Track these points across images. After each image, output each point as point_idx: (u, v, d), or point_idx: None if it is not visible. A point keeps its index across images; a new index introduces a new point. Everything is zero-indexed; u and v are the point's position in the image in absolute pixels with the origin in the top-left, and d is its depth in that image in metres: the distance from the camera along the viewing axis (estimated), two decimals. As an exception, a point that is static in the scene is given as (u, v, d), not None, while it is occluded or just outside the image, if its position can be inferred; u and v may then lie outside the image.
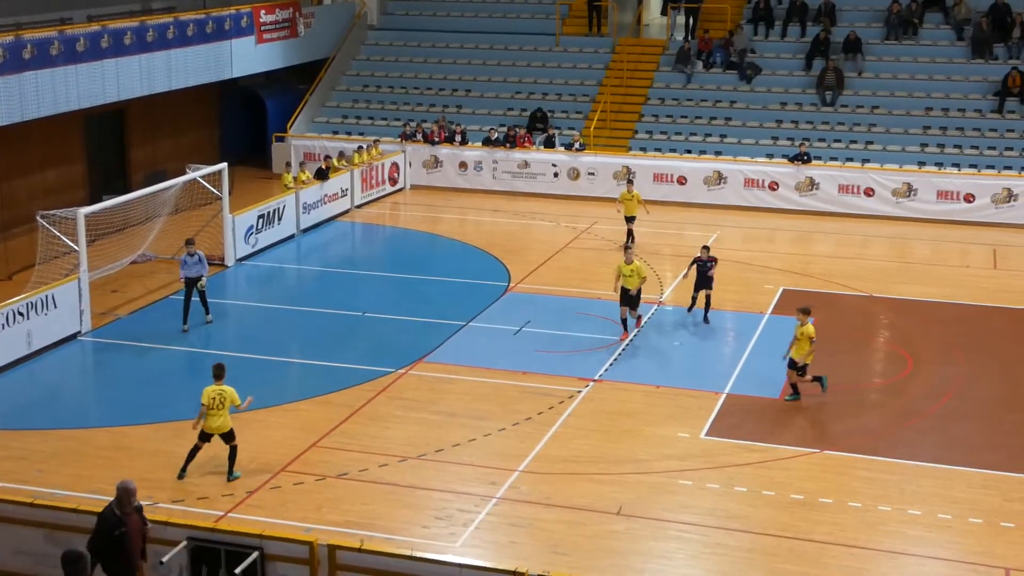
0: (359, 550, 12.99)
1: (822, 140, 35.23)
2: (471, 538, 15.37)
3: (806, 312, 19.92)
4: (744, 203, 33.92)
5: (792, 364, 19.89)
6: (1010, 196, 32.06)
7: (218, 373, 16.75)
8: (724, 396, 20.25)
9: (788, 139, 35.35)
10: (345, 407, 19.57)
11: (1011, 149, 33.82)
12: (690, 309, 24.43)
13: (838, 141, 35.20)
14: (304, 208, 31.00)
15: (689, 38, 39.36)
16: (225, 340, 23.46)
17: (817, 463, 17.72)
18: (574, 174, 35.32)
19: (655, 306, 24.94)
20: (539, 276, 27.23)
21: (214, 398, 16.56)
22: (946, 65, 36.68)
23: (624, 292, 22.97)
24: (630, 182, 30.96)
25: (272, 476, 17.05)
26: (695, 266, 24.11)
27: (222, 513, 15.85)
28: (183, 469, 16.96)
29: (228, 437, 16.84)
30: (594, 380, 20.82)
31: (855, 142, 35.10)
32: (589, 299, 25.37)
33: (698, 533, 15.59)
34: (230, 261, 27.77)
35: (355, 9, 42.16)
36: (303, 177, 31.76)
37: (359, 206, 33.74)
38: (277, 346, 22.79)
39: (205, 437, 16.83)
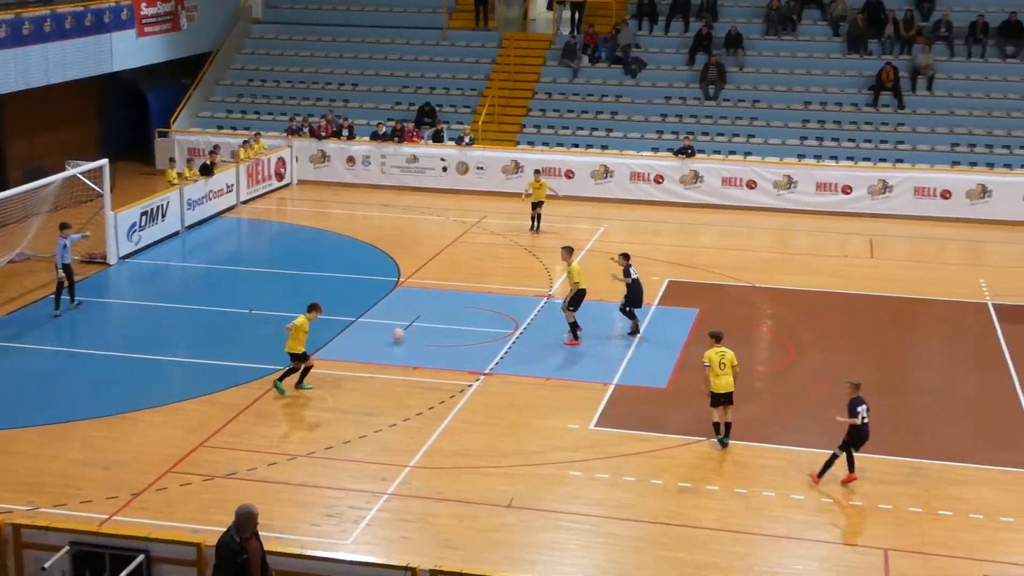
0: (248, 550, 12.84)
1: (705, 134, 35.80)
2: (362, 535, 15.33)
3: (717, 338, 18.39)
4: (630, 196, 34.30)
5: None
6: (885, 187, 32.97)
7: (311, 308, 20.18)
8: (613, 387, 20.49)
9: (672, 133, 35.84)
10: (233, 406, 19.33)
11: (886, 142, 34.76)
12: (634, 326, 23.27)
13: (721, 135, 35.81)
14: (189, 204, 30.51)
15: (575, 33, 39.66)
16: (108, 339, 23.00)
17: (703, 451, 18.03)
18: (463, 168, 35.35)
19: (544, 299, 25.10)
20: (429, 271, 27.22)
21: (289, 328, 19.82)
22: (823, 60, 37.55)
23: (579, 294, 22.58)
24: (538, 172, 31.59)
25: (158, 477, 16.78)
26: (629, 278, 22.97)
27: (106, 516, 15.55)
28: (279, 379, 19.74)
29: (298, 359, 19.78)
30: (485, 374, 20.89)
31: (737, 135, 35.75)
32: (480, 293, 25.44)
33: (588, 523, 15.76)
34: (113, 259, 27.21)
35: (239, 2, 41.60)
36: (188, 173, 31.26)
37: (245, 202, 33.32)
38: (162, 345, 22.41)
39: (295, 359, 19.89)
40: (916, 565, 14.78)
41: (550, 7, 41.72)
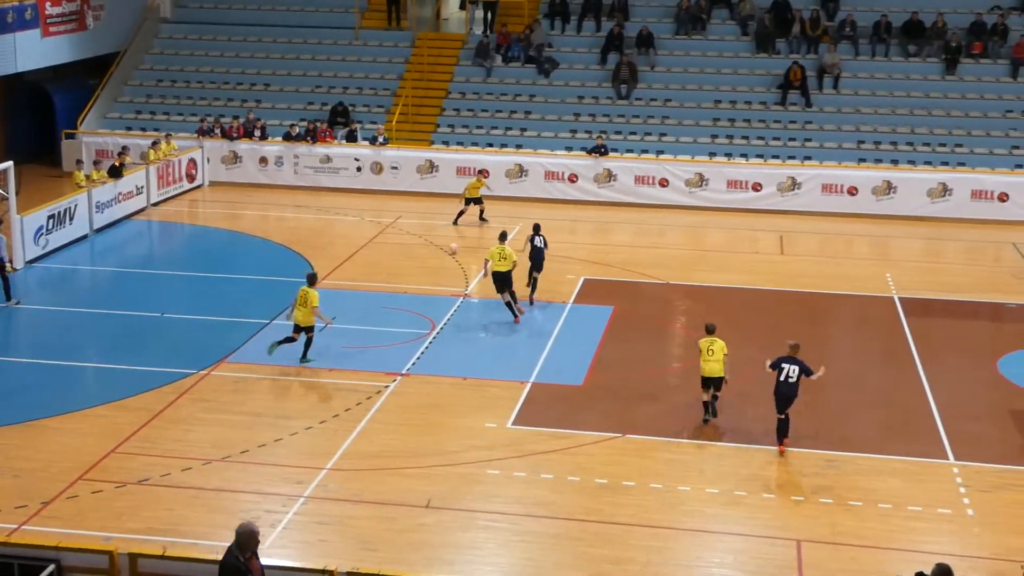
0: (162, 557, 12.72)
1: (618, 132, 36.09)
2: (279, 539, 15.22)
3: (710, 331, 18.99)
4: (545, 195, 34.47)
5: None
6: (794, 185, 33.52)
7: (311, 280, 21.27)
8: (530, 385, 20.58)
9: (586, 132, 36.07)
10: (145, 411, 19.07)
11: (794, 140, 35.35)
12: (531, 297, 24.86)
13: (633, 133, 36.13)
14: (97, 207, 30.00)
15: (488, 32, 39.73)
16: (16, 345, 22.56)
17: (620, 447, 18.20)
18: (377, 168, 35.23)
19: (460, 299, 25.12)
20: (344, 272, 27.08)
21: (299, 296, 20.86)
22: (733, 59, 38.07)
23: (497, 276, 23.46)
24: (481, 172, 32.42)
25: (69, 485, 16.49)
26: (531, 245, 24.91)
27: (15, 526, 15.24)
28: (274, 346, 20.83)
29: (306, 330, 20.93)
30: (402, 374, 20.85)
31: (649, 134, 36.10)
32: (396, 294, 25.38)
33: (506, 522, 15.82)
34: (19, 263, 26.64)
35: (147, 1, 40.99)
36: (96, 175, 30.72)
37: (155, 204, 32.85)
38: (72, 350, 22.02)
39: (296, 330, 20.99)
40: (828, 555, 15.06)
41: (463, 7, 41.77)
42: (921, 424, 19.26)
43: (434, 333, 23.01)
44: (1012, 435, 18.84)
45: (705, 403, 19.17)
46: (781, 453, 17.96)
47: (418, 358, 21.69)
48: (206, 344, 22.18)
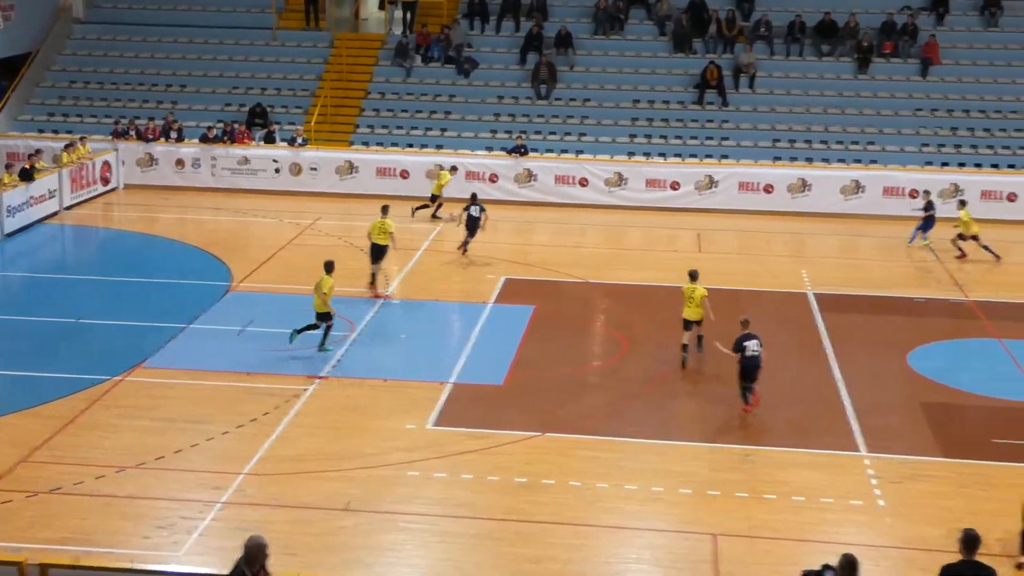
0: (74, 567, 12.53)
1: (538, 132, 36.24)
2: (195, 545, 15.06)
3: (693, 277, 21.69)
4: (466, 195, 34.36)
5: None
6: (711, 183, 33.91)
7: (328, 268, 21.87)
8: (450, 386, 20.57)
9: (506, 132, 36.18)
10: (57, 418, 18.75)
11: (711, 139, 35.77)
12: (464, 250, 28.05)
13: (553, 133, 36.31)
14: (8, 211, 29.47)
15: (407, 32, 39.67)
16: (-76, 354, 22.07)
17: (539, 446, 18.27)
18: (296, 169, 35.01)
19: (381, 300, 25.04)
20: (263, 274, 26.88)
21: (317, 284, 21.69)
22: (650, 59, 38.41)
23: (375, 248, 25.20)
24: (453, 168, 32.83)
25: (-20, 495, 16.18)
26: (466, 213, 27.90)
27: (-76, 538, 14.93)
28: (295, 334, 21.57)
29: (322, 317, 21.58)
30: (321, 377, 20.74)
31: (569, 134, 36.30)
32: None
33: (426, 523, 15.82)
34: (-73, 270, 26.14)
35: (58, 1, 40.30)
36: (6, 179, 30.15)
37: (69, 207, 32.34)
38: (-18, 358, 21.62)
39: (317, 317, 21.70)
40: (743, 549, 15.26)
41: (381, 7, 41.67)
42: (834, 417, 19.58)
43: (354, 335, 22.93)
44: (922, 427, 19.23)
45: (684, 345, 21.47)
46: (747, 412, 19.44)
47: (337, 360, 21.60)
48: (121, 349, 21.87)
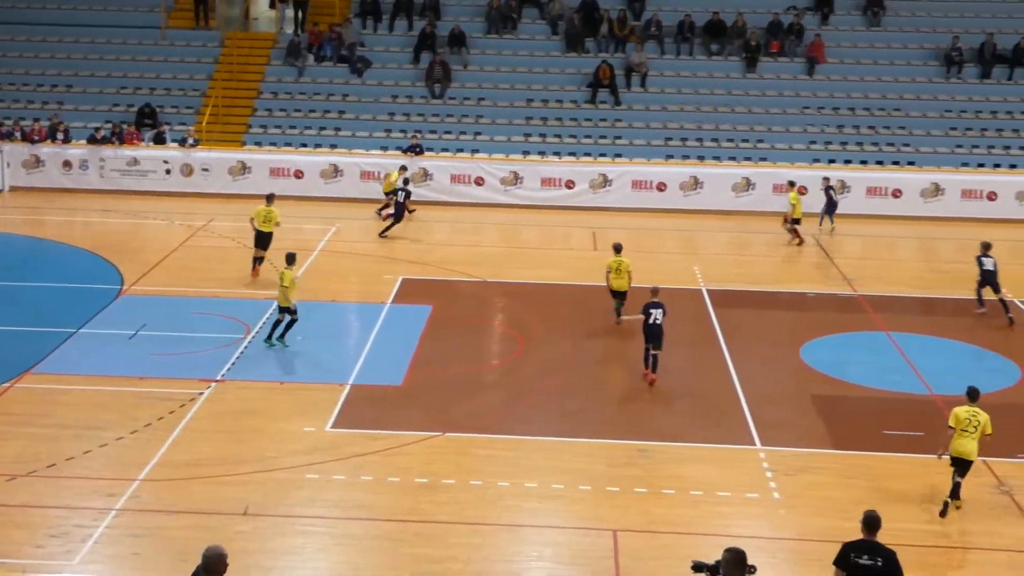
0: (-36, 579, 12.22)
1: (433, 132, 36.22)
2: (90, 553, 14.76)
3: (617, 249, 23.64)
4: (361, 195, 34.32)
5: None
6: (605, 181, 34.25)
7: (289, 260, 22.10)
8: (348, 387, 20.46)
9: (401, 131, 36.09)
10: (-56, 428, 18.24)
11: (605, 137, 36.11)
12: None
13: (448, 132, 36.32)
14: None
15: (299, 31, 39.32)
16: None
17: (439, 446, 18.27)
18: (187, 170, 34.49)
19: (276, 302, 24.76)
20: (154, 277, 26.44)
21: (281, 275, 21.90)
22: (543, 59, 38.63)
23: (260, 235, 26.02)
24: (403, 168, 32.35)
25: None
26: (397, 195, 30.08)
27: None
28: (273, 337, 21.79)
29: (285, 311, 21.89)
30: (216, 381, 20.47)
31: (464, 133, 36.34)
32: (209, 298, 24.91)
33: (325, 526, 15.72)
34: None
35: (-64, -1, 39.18)
36: None
37: (-49, 211, 31.47)
38: None
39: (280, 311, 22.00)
40: (642, 544, 15.44)
41: (272, 6, 41.23)
42: (729, 411, 19.91)
43: (249, 337, 22.67)
44: (814, 419, 19.67)
45: (617, 309, 23.70)
46: (651, 383, 20.69)
47: (233, 363, 21.34)
48: (9, 355, 21.32)
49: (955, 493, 16.15)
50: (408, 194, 30.55)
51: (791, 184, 31.33)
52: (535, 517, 16.20)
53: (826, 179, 32.41)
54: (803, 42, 38.55)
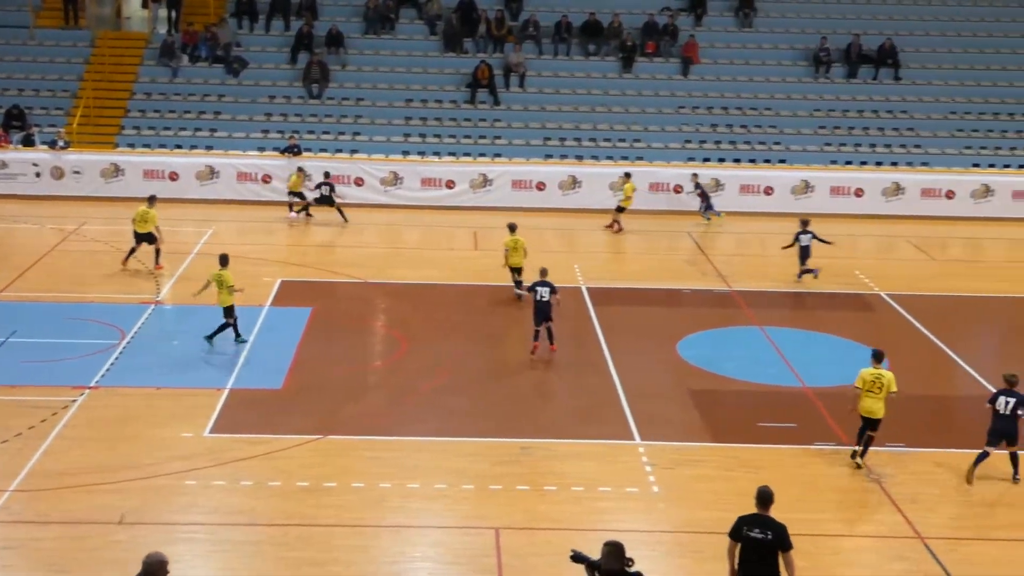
0: None
1: (312, 132, 35.94)
2: (-41, 569, 14.38)
3: (512, 228, 25.31)
4: (238, 196, 33.92)
5: None
6: (486, 181, 34.38)
7: (223, 261, 22.30)
8: (227, 392, 20.22)
9: (278, 132, 35.74)
10: None
11: (484, 137, 36.25)
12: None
13: (327, 133, 36.08)
14: None
15: (172, 31, 38.66)
16: None
17: (321, 448, 18.17)
18: (58, 173, 33.66)
19: (151, 306, 24.39)
20: (25, 282, 25.78)
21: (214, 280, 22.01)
22: (422, 59, 38.61)
23: (137, 235, 26.49)
24: (300, 169, 32.72)
25: None
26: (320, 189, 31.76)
27: None
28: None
29: (229, 312, 22.11)
30: (90, 387, 20.05)
31: (343, 133, 36.14)
32: (82, 303, 24.40)
33: (205, 532, 15.52)
34: None
35: None
36: None
37: None
38: None
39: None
40: (524, 541, 15.57)
41: (145, 5, 40.47)
42: (609, 407, 20.17)
43: (124, 343, 22.25)
44: (691, 413, 20.04)
45: (518, 283, 25.10)
46: (535, 351, 22.19)
47: (107, 370, 20.92)
48: None
49: (865, 449, 17.71)
50: (332, 187, 32.12)
51: (627, 176, 32.65)
52: (418, 517, 16.22)
53: (695, 175, 33.17)
54: (677, 43, 39.19)
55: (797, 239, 27.48)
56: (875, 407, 17.56)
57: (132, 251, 26.79)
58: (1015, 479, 17.50)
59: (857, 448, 17.83)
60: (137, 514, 15.84)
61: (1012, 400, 17.29)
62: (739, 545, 12.63)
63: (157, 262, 26.75)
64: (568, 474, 17.52)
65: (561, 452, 18.29)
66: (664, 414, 19.94)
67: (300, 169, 32.54)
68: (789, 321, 25.18)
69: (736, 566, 12.71)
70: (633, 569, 11.46)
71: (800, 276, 27.43)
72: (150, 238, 26.57)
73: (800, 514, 16.42)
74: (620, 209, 32.33)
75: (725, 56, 39.39)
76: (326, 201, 31.96)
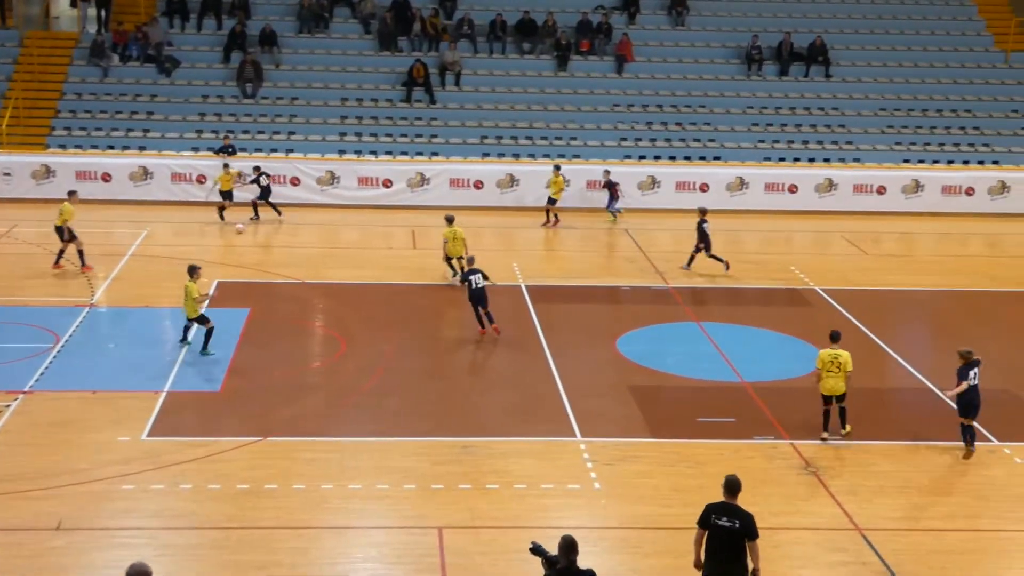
0: None
1: (246, 132, 35.65)
2: None
3: (450, 220, 25.64)
4: (172, 197, 33.58)
5: None
6: (423, 180, 34.34)
7: (191, 272, 21.89)
8: (164, 395, 20.01)
9: (212, 132, 35.41)
10: None
11: (421, 136, 36.19)
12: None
13: (262, 132, 35.80)
14: None
15: (102, 31, 38.14)
16: None
17: (261, 451, 18.03)
18: (-14, 175, 33.11)
19: (86, 309, 24.06)
20: (-47, 287, 25.32)
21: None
22: (356, 57, 38.46)
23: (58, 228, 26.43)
24: (226, 166, 32.35)
25: None
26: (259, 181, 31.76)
27: None
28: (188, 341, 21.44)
29: (200, 320, 21.74)
30: (24, 392, 19.74)
31: (278, 133, 35.89)
32: (15, 307, 24.00)
33: (145, 537, 15.35)
34: None
35: None
36: None
37: None
38: None
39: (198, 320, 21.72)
40: (468, 539, 15.57)
41: (74, 4, 39.86)
42: (550, 405, 20.23)
43: (58, 347, 21.93)
44: (632, 409, 20.15)
45: (461, 270, 25.56)
46: (497, 332, 23.15)
47: (41, 374, 20.61)
48: None
49: (843, 420, 18.86)
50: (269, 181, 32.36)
51: (556, 168, 33.05)
52: (360, 518, 16.17)
53: (607, 172, 33.41)
54: (612, 41, 39.39)
55: (701, 228, 28.10)
56: (836, 385, 18.57)
57: (61, 252, 26.53)
58: (971, 449, 18.50)
59: (825, 433, 18.78)
60: (74, 520, 15.63)
61: (978, 369, 18.30)
62: (706, 533, 12.86)
63: (83, 263, 26.50)
64: (510, 472, 17.55)
65: (503, 450, 18.31)
66: (604, 411, 20.04)
67: (226, 166, 32.21)
68: (727, 317, 25.42)
69: (702, 554, 12.95)
70: (585, 567, 11.59)
71: (720, 260, 28.10)
72: (62, 233, 26.39)
73: (740, 507, 16.65)
74: (551, 201, 32.56)
75: (659, 54, 39.66)
76: (266, 194, 32.05)
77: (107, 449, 17.83)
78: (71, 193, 27.41)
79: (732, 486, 13.06)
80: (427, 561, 15.01)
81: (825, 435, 18.75)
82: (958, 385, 18.18)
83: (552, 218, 32.59)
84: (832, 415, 18.88)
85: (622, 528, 16.11)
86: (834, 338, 18.79)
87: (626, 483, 17.36)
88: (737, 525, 12.76)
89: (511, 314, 24.95)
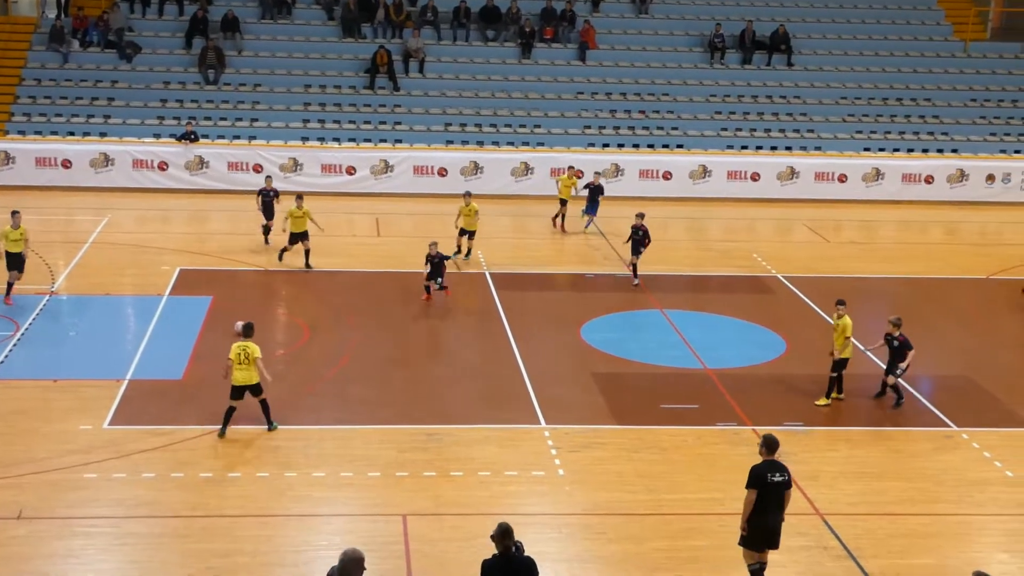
0: None
1: (208, 119, 35.41)
2: None
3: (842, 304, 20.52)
4: (134, 184, 33.32)
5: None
6: (387, 167, 34.25)
7: (247, 332, 18.10)
8: (126, 383, 19.89)
9: (174, 118, 35.16)
10: None
11: (385, 123, 36.09)
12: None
13: (224, 119, 35.57)
14: None
15: (62, 16, 37.75)
16: None
17: (224, 439, 17.92)
18: (-56, 162, 32.74)
19: (47, 297, 23.86)
20: (-89, 275, 24.99)
21: (239, 353, 17.77)
22: (320, 44, 38.28)
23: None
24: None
25: None
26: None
27: None
28: (223, 429, 17.86)
29: (255, 391, 17.93)
30: (-17, 381, 19.59)
31: (241, 120, 35.67)
32: (-29, 295, 23.74)
33: (107, 525, 15.27)
34: None
35: None
36: None
37: None
38: None
39: (237, 395, 17.84)
40: (432, 526, 15.60)
41: (32, -12, 39.45)
42: (514, 392, 20.27)
43: (18, 335, 21.74)
44: (595, 396, 20.22)
45: (459, 247, 27.75)
46: (448, 293, 24.69)
47: (1, 362, 20.43)
48: None
49: (839, 388, 20.09)
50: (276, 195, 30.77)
51: (569, 168, 32.38)
52: (324, 506, 16.16)
53: (597, 174, 32.98)
54: (575, 28, 39.39)
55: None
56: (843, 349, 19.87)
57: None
58: (898, 404, 19.97)
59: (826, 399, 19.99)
60: (36, 509, 15.53)
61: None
62: (757, 493, 13.47)
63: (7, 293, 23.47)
64: (474, 459, 17.58)
65: (467, 438, 18.34)
66: (568, 398, 20.10)
67: (299, 197, 30.63)
68: (690, 304, 25.54)
69: (750, 514, 13.55)
70: (525, 553, 11.67)
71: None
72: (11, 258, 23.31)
73: (702, 493, 16.77)
74: (563, 202, 31.47)
75: (622, 42, 39.71)
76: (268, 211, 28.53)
77: (69, 438, 17.71)
78: (14, 214, 23.80)
79: (772, 444, 13.72)
80: (392, 548, 15.02)
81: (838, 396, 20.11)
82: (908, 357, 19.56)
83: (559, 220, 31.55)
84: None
85: (586, 514, 16.18)
86: (840, 302, 20.21)
87: (590, 469, 17.44)
88: (787, 478, 13.64)
89: (476, 301, 24.97)
